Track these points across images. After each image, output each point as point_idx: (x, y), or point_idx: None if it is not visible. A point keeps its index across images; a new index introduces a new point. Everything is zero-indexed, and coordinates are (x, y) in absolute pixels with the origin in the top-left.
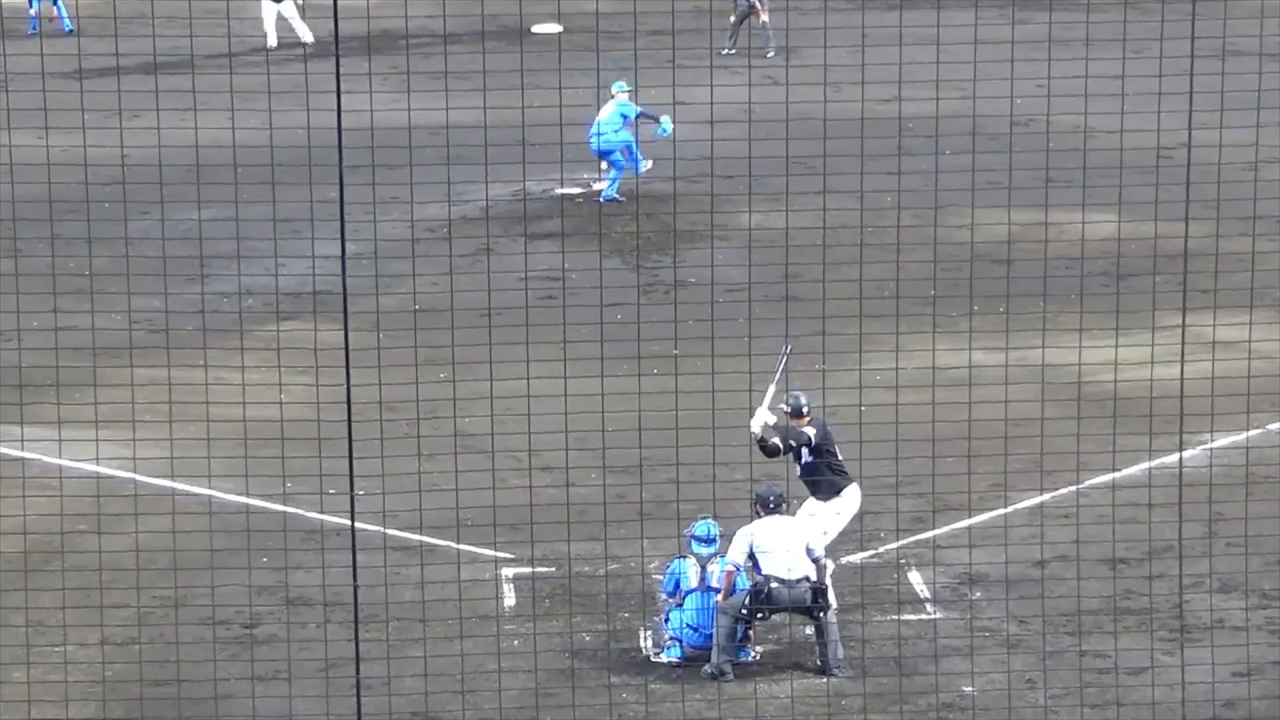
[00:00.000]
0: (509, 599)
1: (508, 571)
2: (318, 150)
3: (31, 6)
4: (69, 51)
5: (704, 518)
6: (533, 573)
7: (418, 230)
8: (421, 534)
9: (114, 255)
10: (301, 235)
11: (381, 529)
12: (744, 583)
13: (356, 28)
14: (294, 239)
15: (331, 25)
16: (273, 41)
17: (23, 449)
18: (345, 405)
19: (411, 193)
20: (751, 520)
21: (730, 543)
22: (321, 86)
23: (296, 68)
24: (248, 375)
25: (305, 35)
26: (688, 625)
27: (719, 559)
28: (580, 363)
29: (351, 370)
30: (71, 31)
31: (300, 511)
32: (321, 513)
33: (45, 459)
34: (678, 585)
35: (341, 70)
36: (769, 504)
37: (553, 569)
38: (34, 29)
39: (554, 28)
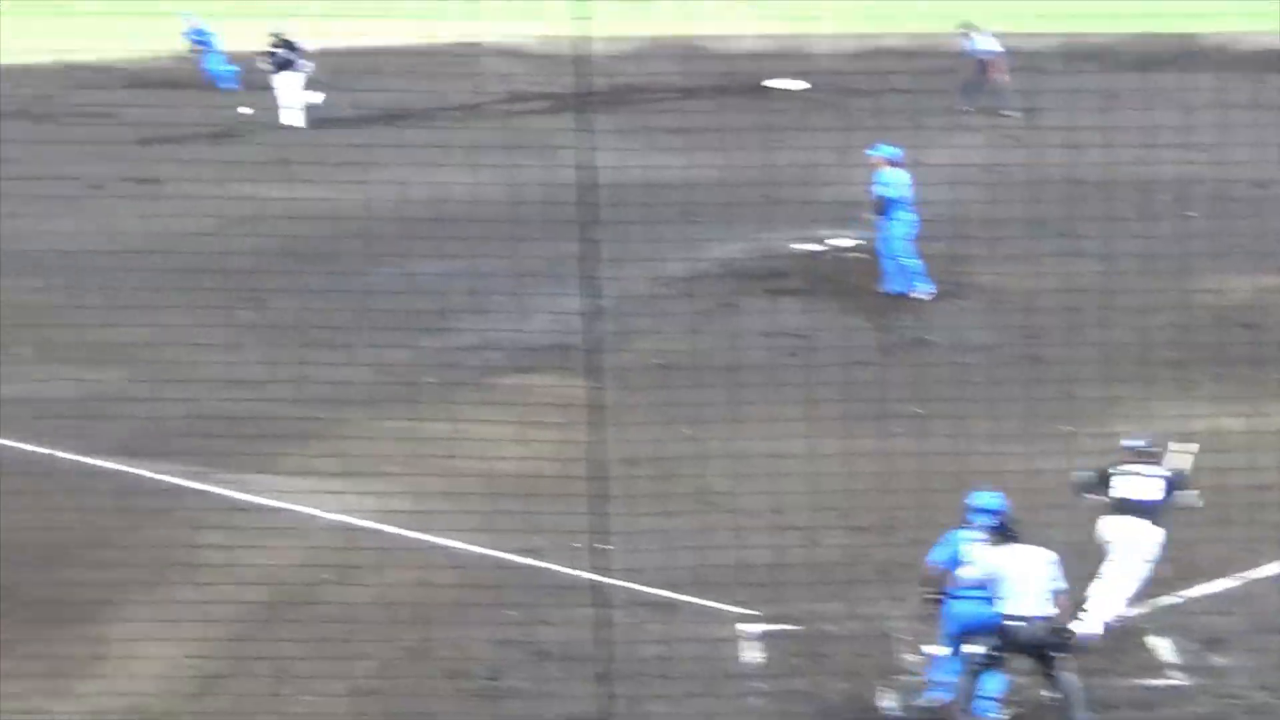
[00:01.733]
0: (751, 656)
1: (749, 629)
2: (557, 206)
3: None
4: (311, 103)
5: (987, 489)
6: (773, 631)
7: (657, 286)
8: (665, 590)
9: (356, 307)
10: (541, 291)
11: (626, 584)
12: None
13: (598, 84)
14: (534, 294)
15: (573, 80)
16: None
17: (269, 498)
18: (588, 460)
19: (651, 250)
20: (991, 544)
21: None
22: (562, 142)
23: (538, 122)
24: (490, 428)
25: (294, 118)
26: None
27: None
28: (822, 422)
29: (594, 424)
30: (232, 89)
31: (544, 565)
32: (565, 567)
33: (292, 508)
34: (954, 561)
35: (583, 125)
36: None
37: (795, 627)
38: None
39: (793, 84)
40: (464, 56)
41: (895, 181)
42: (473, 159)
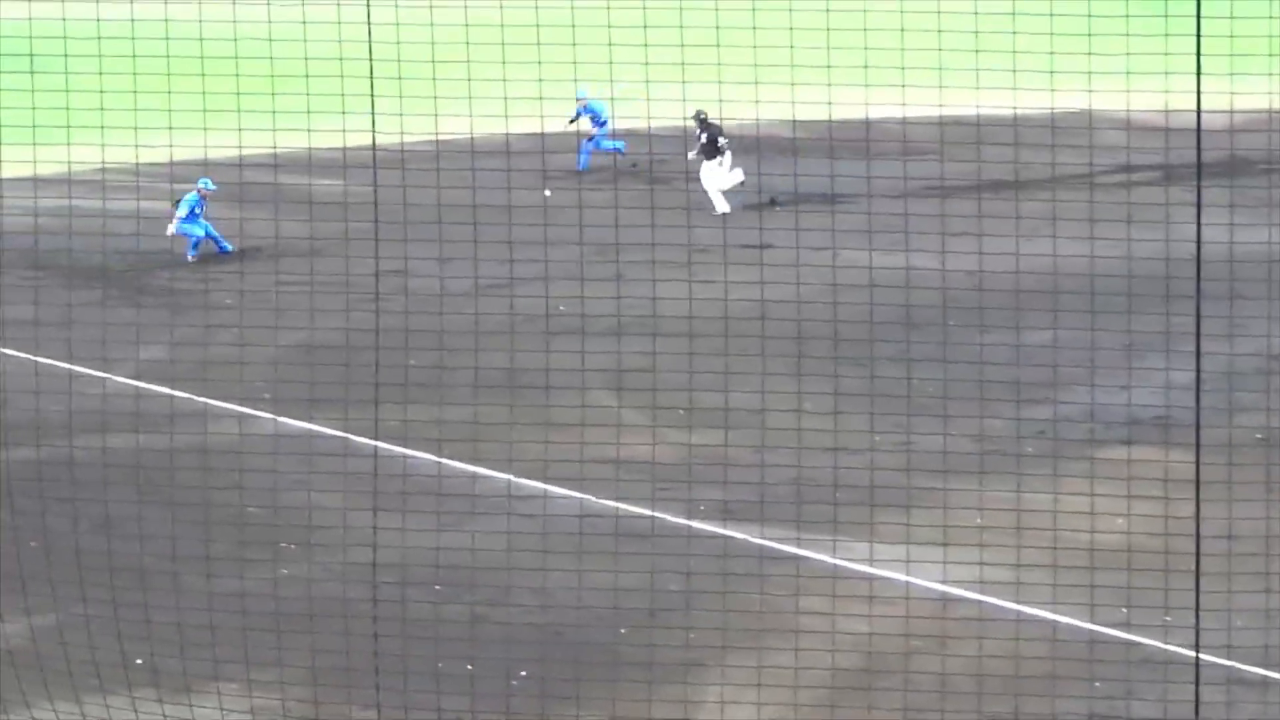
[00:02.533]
0: None
1: None
2: (1167, 280)
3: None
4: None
5: None
6: None
7: (1263, 360)
8: (1261, 668)
9: (963, 376)
10: (1147, 364)
11: (1222, 660)
12: None
13: (1213, 156)
14: (1140, 367)
15: (1188, 152)
16: (722, 208)
17: (867, 565)
18: (1192, 535)
19: (1260, 324)
20: None
21: None
22: (1176, 214)
23: (1152, 194)
24: (1090, 500)
25: (721, 205)
26: None
27: None
28: None
29: (1195, 499)
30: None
31: (1139, 639)
32: (1160, 641)
33: (889, 575)
34: None
35: (1197, 198)
36: None
37: None
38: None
39: None
40: (1076, 129)
41: None
42: (1085, 230)
